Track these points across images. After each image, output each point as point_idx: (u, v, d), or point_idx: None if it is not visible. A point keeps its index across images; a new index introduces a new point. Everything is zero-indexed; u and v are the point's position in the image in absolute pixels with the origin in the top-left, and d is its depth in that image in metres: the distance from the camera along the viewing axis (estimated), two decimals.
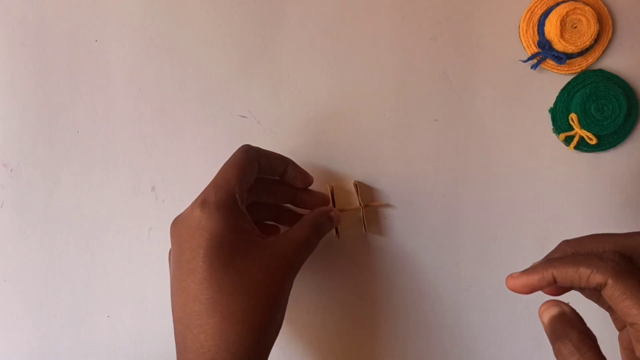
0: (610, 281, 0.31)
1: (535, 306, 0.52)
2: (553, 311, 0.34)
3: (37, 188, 0.50)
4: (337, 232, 0.49)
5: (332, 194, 0.49)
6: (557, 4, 0.50)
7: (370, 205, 0.50)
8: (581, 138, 0.51)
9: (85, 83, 0.50)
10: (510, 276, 0.34)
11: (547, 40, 0.50)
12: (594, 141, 0.50)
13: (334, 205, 0.49)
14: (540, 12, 0.51)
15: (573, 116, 0.50)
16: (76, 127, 0.50)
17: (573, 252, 0.34)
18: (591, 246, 0.34)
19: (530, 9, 0.51)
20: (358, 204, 0.50)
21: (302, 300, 0.52)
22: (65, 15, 0.50)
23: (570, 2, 0.49)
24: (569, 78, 0.51)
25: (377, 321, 0.52)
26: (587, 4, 0.50)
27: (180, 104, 0.50)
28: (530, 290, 0.34)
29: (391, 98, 0.51)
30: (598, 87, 0.50)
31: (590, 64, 0.51)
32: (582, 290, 0.34)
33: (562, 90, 0.51)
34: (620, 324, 0.36)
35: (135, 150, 0.50)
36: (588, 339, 0.32)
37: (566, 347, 0.32)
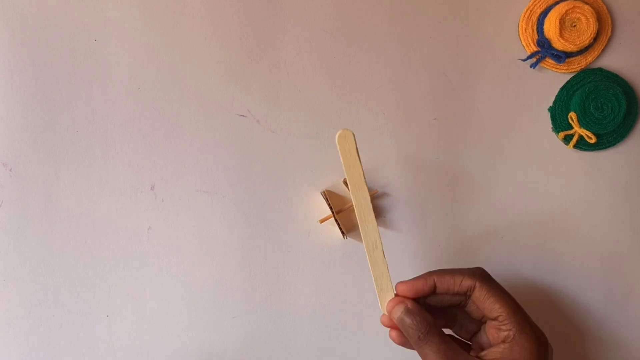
0: (477, 284, 0.40)
1: (536, 308, 0.53)
2: (399, 308, 0.41)
3: (36, 187, 0.50)
4: (343, 233, 0.49)
5: (327, 199, 0.48)
6: (556, 3, 0.50)
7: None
8: (580, 137, 0.51)
9: (84, 82, 0.50)
10: (400, 282, 0.42)
11: (547, 39, 0.50)
12: (593, 140, 0.50)
13: (330, 209, 0.48)
14: (539, 10, 0.51)
15: (572, 115, 0.50)
16: (75, 127, 0.50)
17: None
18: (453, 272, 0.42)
19: (529, 7, 0.51)
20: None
21: (302, 302, 0.52)
22: (65, 15, 0.50)
23: (570, 0, 0.49)
24: (568, 77, 0.51)
25: (379, 318, 0.52)
26: (587, 3, 0.50)
27: (179, 103, 0.50)
28: (416, 294, 0.41)
29: (391, 97, 0.51)
30: (597, 86, 0.50)
31: (590, 63, 0.51)
32: (453, 296, 0.42)
33: (562, 89, 0.51)
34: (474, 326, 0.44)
35: (134, 149, 0.50)
36: (425, 322, 0.40)
37: (413, 334, 0.40)
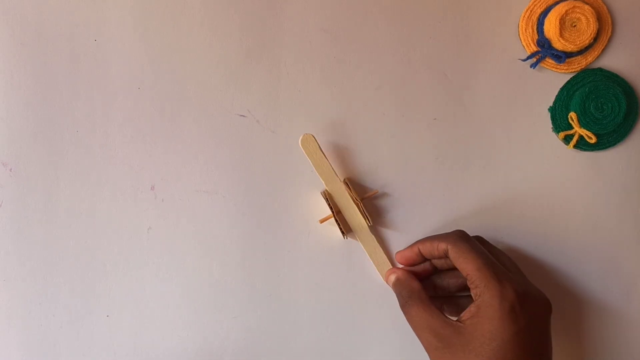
0: (449, 246, 0.42)
1: None
2: (392, 277, 0.47)
3: (36, 187, 0.50)
4: (343, 233, 0.49)
5: (327, 199, 0.49)
6: (557, 3, 0.50)
7: (365, 198, 0.50)
8: (580, 137, 0.51)
9: (84, 82, 0.50)
10: (397, 252, 0.49)
11: (547, 39, 0.50)
12: (593, 140, 0.50)
13: (330, 209, 0.48)
14: (539, 10, 0.50)
15: (572, 115, 0.50)
16: (75, 127, 0.50)
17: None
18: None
19: (529, 7, 0.51)
20: (353, 200, 0.49)
21: (302, 302, 0.52)
22: (65, 15, 0.50)
23: (570, 0, 0.49)
24: (568, 77, 0.51)
25: (379, 318, 0.52)
26: (587, 3, 0.49)
27: (179, 103, 0.50)
28: (407, 261, 0.47)
29: (390, 97, 0.51)
30: (597, 86, 0.50)
31: (590, 63, 0.51)
32: (438, 259, 0.46)
33: (562, 89, 0.51)
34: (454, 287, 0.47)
35: (134, 149, 0.50)
36: (409, 288, 0.44)
37: (400, 299, 0.45)
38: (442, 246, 0.43)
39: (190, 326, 0.51)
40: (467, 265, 0.41)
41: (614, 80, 0.51)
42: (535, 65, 0.51)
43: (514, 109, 0.52)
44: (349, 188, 0.49)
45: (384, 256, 0.50)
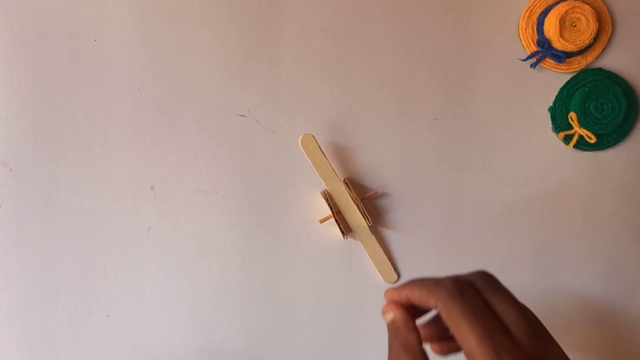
0: (440, 305, 0.34)
1: (536, 309, 0.52)
2: (388, 316, 0.38)
3: (36, 187, 0.50)
4: (343, 233, 0.49)
5: (327, 199, 0.49)
6: (556, 3, 0.50)
7: (365, 198, 0.50)
8: (580, 137, 0.51)
9: (84, 83, 0.50)
10: (387, 290, 0.38)
11: (547, 39, 0.50)
12: (593, 140, 0.50)
13: (331, 209, 0.48)
14: (539, 10, 0.50)
15: (572, 115, 0.50)
16: (75, 127, 0.50)
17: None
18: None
19: (529, 7, 0.51)
20: (353, 200, 0.49)
21: (302, 302, 0.52)
22: (65, 15, 0.50)
23: (570, 0, 0.49)
24: (568, 77, 0.51)
25: (379, 318, 0.52)
26: (587, 3, 0.49)
27: (179, 103, 0.50)
28: (396, 304, 0.38)
29: (390, 97, 0.51)
30: (597, 86, 0.50)
31: (590, 63, 0.51)
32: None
33: (562, 89, 0.51)
34: None
35: (134, 149, 0.50)
36: (409, 348, 0.35)
37: (391, 351, 0.36)
38: (432, 302, 0.35)
39: (190, 326, 0.51)
40: (461, 336, 0.33)
41: (614, 80, 0.51)
42: (535, 65, 0.51)
43: (514, 109, 0.52)
44: (349, 188, 0.49)
45: (384, 256, 0.50)
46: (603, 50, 0.51)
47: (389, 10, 0.51)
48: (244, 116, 0.51)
